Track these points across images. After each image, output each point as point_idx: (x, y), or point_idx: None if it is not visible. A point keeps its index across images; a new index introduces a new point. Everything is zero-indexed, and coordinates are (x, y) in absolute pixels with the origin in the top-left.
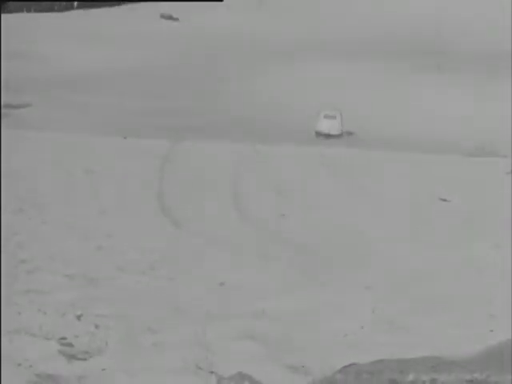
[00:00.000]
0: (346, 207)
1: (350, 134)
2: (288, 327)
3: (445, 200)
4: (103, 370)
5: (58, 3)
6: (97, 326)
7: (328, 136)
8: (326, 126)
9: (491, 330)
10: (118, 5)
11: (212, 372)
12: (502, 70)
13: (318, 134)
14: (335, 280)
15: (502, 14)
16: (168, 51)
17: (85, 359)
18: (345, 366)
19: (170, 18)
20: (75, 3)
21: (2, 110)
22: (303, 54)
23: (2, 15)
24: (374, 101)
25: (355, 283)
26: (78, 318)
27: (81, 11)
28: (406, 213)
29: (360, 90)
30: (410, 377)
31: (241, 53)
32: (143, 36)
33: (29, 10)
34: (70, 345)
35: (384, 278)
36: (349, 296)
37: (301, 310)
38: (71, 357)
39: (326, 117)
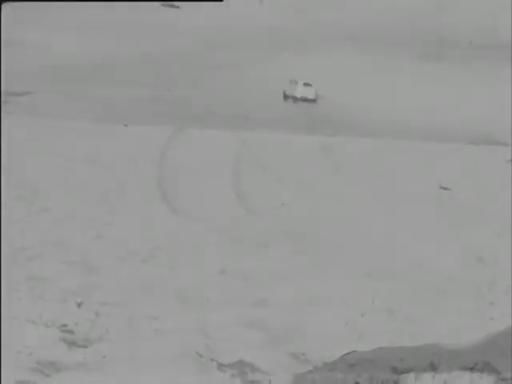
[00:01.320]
0: (346, 196)
1: (322, 98)
2: (288, 315)
3: (445, 188)
4: (104, 357)
5: None
6: (97, 314)
7: (306, 99)
8: (304, 91)
9: (491, 318)
10: None
11: (212, 359)
12: (502, 59)
13: (297, 98)
14: (336, 268)
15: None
16: (168, 39)
17: (85, 346)
18: (345, 354)
19: (171, 6)
20: None
21: (3, 98)
22: (302, 44)
23: (2, 3)
24: (370, 87)
25: (356, 271)
26: (79, 305)
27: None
28: (406, 201)
29: (355, 78)
30: (411, 364)
31: (241, 42)
32: (143, 24)
33: None
34: (71, 332)
35: (384, 266)
36: (349, 284)
37: (301, 297)
38: (72, 344)
39: (304, 84)
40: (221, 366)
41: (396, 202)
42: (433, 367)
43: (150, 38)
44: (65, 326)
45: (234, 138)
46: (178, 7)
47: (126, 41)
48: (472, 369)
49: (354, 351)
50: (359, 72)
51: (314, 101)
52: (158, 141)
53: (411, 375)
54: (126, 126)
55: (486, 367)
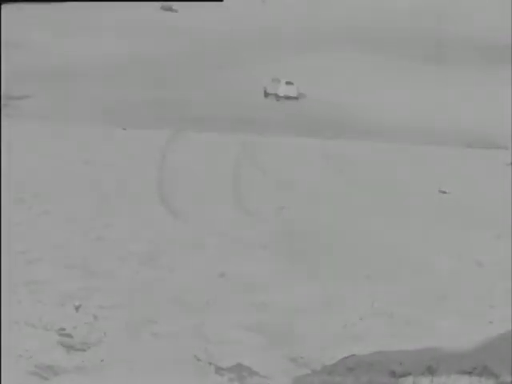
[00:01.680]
0: (346, 199)
1: (303, 96)
2: (287, 318)
3: (444, 192)
4: (102, 360)
5: None
6: (96, 317)
7: (288, 97)
8: (286, 89)
9: (491, 322)
10: None
11: (211, 363)
12: (502, 60)
13: (279, 96)
14: (335, 271)
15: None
16: (167, 41)
17: (84, 350)
18: (344, 358)
19: (170, 9)
20: None
21: (3, 101)
22: (302, 44)
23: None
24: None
25: (355, 274)
26: (77, 308)
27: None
28: (405, 204)
29: (354, 78)
30: (409, 368)
31: (239, 43)
32: (143, 26)
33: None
34: (69, 336)
35: (384, 269)
36: (348, 287)
37: (300, 301)
38: (70, 348)
39: (286, 83)
40: (219, 370)
41: (395, 205)
42: (431, 371)
43: (150, 39)
44: (63, 329)
45: (233, 140)
46: (176, 11)
47: (124, 42)
48: (471, 373)
49: (353, 355)
50: (358, 72)
51: (296, 99)
52: (157, 143)
53: (410, 379)
54: (124, 129)
55: (485, 371)
